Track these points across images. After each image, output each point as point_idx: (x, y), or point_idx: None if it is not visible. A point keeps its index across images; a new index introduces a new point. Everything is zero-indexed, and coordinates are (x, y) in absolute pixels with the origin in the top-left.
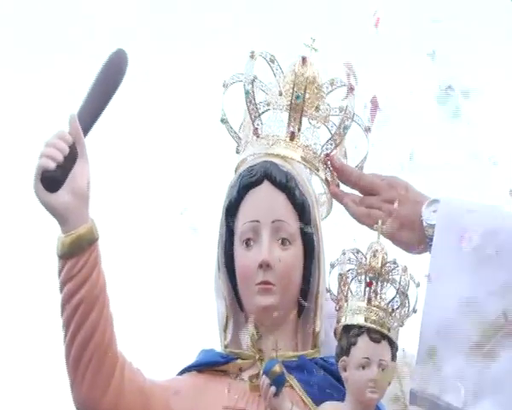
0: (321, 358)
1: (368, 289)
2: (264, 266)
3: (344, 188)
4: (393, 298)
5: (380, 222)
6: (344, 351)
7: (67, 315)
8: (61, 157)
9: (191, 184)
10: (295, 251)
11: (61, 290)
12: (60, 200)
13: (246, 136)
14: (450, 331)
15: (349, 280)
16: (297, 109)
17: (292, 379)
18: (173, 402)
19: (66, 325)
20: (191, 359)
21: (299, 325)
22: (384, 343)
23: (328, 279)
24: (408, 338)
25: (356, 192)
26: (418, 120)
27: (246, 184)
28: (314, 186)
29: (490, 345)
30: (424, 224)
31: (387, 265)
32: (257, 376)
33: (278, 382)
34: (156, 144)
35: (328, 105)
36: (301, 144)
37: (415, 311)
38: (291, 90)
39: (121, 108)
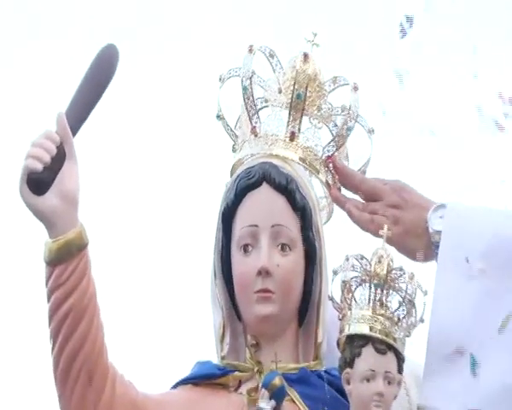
0: (324, 370)
1: (373, 297)
2: (264, 272)
3: (345, 192)
4: (399, 307)
5: (385, 227)
6: (347, 363)
7: (55, 325)
8: (48, 158)
9: (185, 185)
10: (296, 257)
11: (49, 299)
12: (47, 203)
13: (243, 134)
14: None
15: (353, 288)
16: (297, 108)
17: (292, 393)
18: None
19: (54, 336)
20: (186, 371)
21: (300, 336)
22: (390, 355)
23: (331, 287)
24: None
25: (358, 197)
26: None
27: (243, 187)
28: (316, 191)
29: None
30: (430, 230)
31: (393, 272)
32: (256, 389)
33: (278, 395)
34: (149, 146)
35: (331, 104)
36: (301, 145)
37: (422, 320)
38: (291, 88)
39: (112, 105)
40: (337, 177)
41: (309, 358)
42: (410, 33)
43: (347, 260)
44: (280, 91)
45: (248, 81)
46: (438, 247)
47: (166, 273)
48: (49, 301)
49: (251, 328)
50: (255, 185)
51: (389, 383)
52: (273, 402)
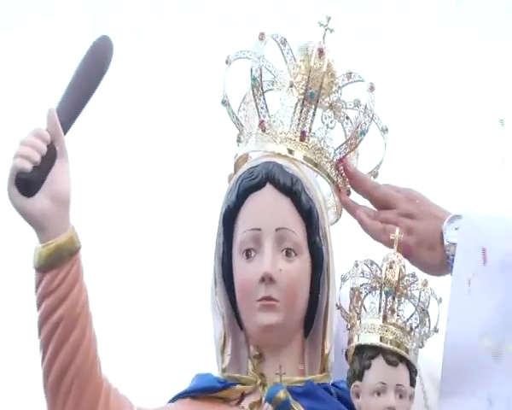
0: (331, 383)
1: (383, 305)
2: (267, 279)
3: (354, 196)
4: (412, 315)
5: (397, 230)
6: (356, 375)
7: (45, 335)
8: (37, 157)
9: (186, 184)
10: (301, 263)
11: (39, 307)
12: (37, 205)
13: (249, 125)
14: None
15: (362, 295)
16: (309, 107)
17: (298, 407)
18: None
19: (44, 346)
20: (184, 384)
21: (305, 347)
22: (402, 366)
23: (339, 294)
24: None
25: (369, 203)
26: None
27: (246, 188)
28: (322, 189)
29: None
30: (445, 242)
31: (405, 278)
32: (259, 403)
33: None
34: (145, 144)
35: (344, 102)
36: (312, 146)
37: (436, 330)
38: (304, 86)
39: (106, 101)
40: (347, 180)
41: (315, 370)
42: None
43: (356, 265)
44: (291, 85)
45: (258, 72)
46: (453, 260)
47: (164, 279)
48: (38, 309)
49: (253, 338)
50: (258, 186)
51: (401, 396)
52: None
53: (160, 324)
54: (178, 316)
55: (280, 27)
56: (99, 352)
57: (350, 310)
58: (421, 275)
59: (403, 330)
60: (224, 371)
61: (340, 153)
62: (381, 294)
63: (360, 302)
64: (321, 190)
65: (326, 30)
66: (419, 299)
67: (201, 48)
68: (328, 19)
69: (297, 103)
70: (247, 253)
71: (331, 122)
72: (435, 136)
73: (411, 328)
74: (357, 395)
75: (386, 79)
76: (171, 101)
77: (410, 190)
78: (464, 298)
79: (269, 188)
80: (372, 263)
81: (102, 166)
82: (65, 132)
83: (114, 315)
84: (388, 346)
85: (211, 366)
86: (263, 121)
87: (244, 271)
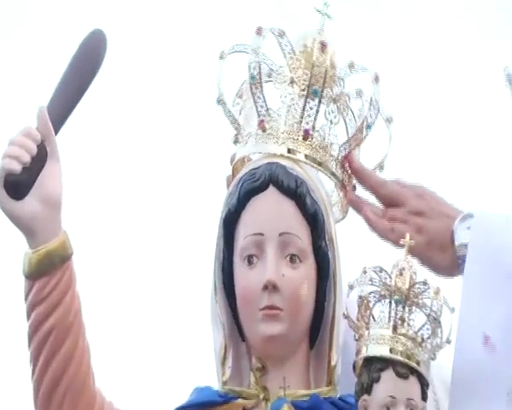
0: (338, 397)
1: (393, 314)
2: (270, 287)
3: (360, 192)
4: (423, 325)
5: (407, 236)
6: (365, 389)
7: (36, 345)
8: (27, 158)
9: (184, 186)
10: (306, 270)
11: (29, 317)
12: (26, 209)
13: (248, 125)
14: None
15: (371, 304)
16: (313, 104)
17: None
18: None
19: (35, 357)
20: (183, 398)
21: (311, 358)
22: (412, 379)
23: (346, 303)
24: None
25: (375, 200)
26: None
27: (247, 190)
28: (326, 185)
29: None
30: (456, 243)
31: (416, 286)
32: None
33: None
34: (140, 143)
35: (348, 95)
36: (316, 145)
37: (448, 341)
38: (307, 82)
39: (99, 98)
40: (353, 176)
41: (321, 383)
42: None
43: (365, 272)
44: (292, 81)
45: (257, 69)
46: (464, 261)
47: (161, 287)
48: (28, 318)
49: (256, 349)
50: (260, 189)
51: None
52: None
53: (157, 334)
54: (177, 326)
55: (276, 16)
56: (92, 363)
57: (358, 320)
58: (434, 283)
59: (414, 341)
60: (224, 384)
61: (345, 149)
62: (390, 302)
63: (369, 311)
64: (325, 190)
65: (324, 17)
66: (431, 308)
67: (196, 41)
68: (326, 4)
69: (299, 100)
70: (249, 259)
71: (335, 117)
72: (445, 126)
73: (423, 339)
74: None
75: (390, 67)
76: (167, 98)
77: (420, 186)
78: (476, 300)
79: (272, 190)
80: (381, 270)
81: (95, 167)
82: (56, 132)
83: (109, 325)
84: (398, 358)
85: (211, 378)
86: (262, 121)
87: (246, 278)
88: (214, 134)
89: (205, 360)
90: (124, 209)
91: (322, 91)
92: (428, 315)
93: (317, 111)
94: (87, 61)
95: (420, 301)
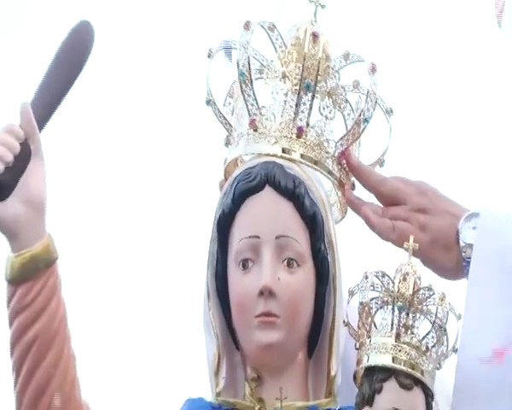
0: (338, 409)
1: (396, 321)
2: (266, 293)
3: (360, 190)
4: (428, 333)
5: (411, 239)
6: (366, 400)
7: (19, 355)
8: (10, 157)
9: (175, 187)
10: (305, 274)
11: (11, 324)
12: (9, 210)
13: (239, 124)
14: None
15: (373, 311)
16: (306, 99)
17: None
18: None
19: (18, 367)
20: None
21: (309, 368)
22: (416, 390)
23: (347, 310)
24: None
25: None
26: None
27: (242, 191)
28: (324, 185)
29: None
30: (461, 243)
31: (421, 292)
32: None
33: None
34: (132, 141)
35: (343, 88)
36: (310, 142)
37: (455, 350)
38: (299, 77)
39: (86, 94)
40: (351, 174)
41: (320, 394)
42: None
43: (366, 277)
44: (284, 76)
45: (246, 66)
46: (469, 263)
47: (151, 294)
48: (11, 326)
49: (251, 359)
50: (256, 189)
51: None
52: None
53: (147, 342)
54: (168, 334)
55: (268, 9)
56: (78, 374)
57: (359, 327)
58: (439, 288)
59: (418, 350)
60: (218, 395)
61: (341, 145)
62: (393, 309)
63: (370, 319)
64: (325, 190)
65: (317, 6)
66: (436, 315)
67: (186, 33)
68: None
69: (291, 96)
70: (244, 263)
71: (330, 112)
72: (449, 119)
73: (427, 347)
74: None
75: (390, 56)
76: (158, 93)
77: (422, 182)
78: (481, 303)
79: (268, 191)
80: (384, 275)
81: (81, 166)
82: (40, 129)
83: (97, 334)
84: (402, 367)
85: (203, 389)
86: (254, 120)
87: (240, 284)
88: (208, 133)
89: (197, 369)
90: (111, 211)
91: (315, 85)
92: (433, 323)
93: (311, 106)
94: (73, 54)
95: (424, 308)
